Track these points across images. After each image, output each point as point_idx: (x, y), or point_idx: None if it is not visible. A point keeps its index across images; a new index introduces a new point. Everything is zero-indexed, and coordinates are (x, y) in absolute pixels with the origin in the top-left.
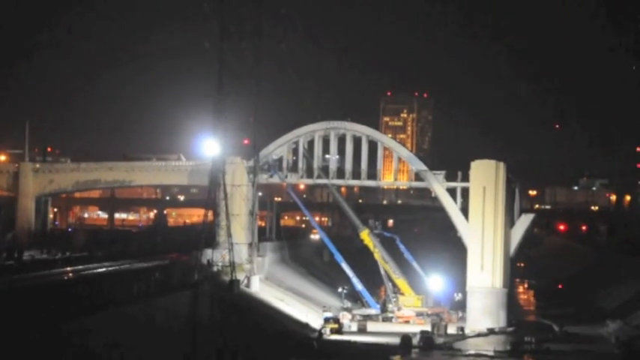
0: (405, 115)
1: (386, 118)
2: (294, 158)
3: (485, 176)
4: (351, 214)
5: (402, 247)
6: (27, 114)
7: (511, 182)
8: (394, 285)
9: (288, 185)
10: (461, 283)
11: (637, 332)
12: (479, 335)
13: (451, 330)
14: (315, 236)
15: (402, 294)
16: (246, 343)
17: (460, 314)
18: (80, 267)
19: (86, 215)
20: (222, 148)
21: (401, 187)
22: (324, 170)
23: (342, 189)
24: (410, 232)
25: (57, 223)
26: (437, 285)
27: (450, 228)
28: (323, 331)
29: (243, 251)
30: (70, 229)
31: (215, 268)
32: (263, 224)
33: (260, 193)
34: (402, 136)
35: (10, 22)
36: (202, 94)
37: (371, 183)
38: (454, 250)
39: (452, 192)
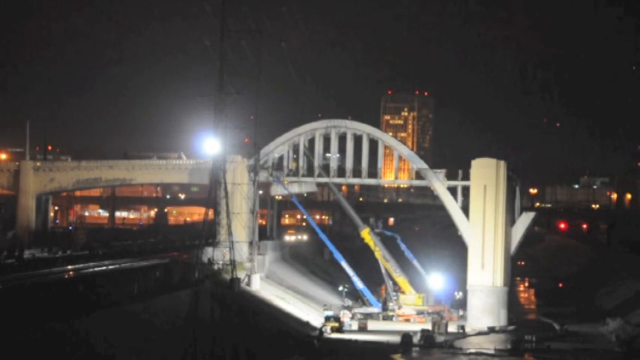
0: (406, 114)
1: (387, 117)
2: (295, 157)
3: (486, 175)
4: (351, 212)
5: (402, 246)
6: (27, 113)
7: (512, 180)
8: (395, 283)
9: (280, 182)
10: (461, 282)
11: (637, 330)
12: (479, 334)
13: (452, 328)
14: (290, 237)
15: (403, 292)
16: (247, 342)
17: (461, 312)
18: (81, 265)
19: (87, 214)
20: (222, 147)
21: (402, 186)
22: (325, 169)
23: (343, 187)
24: (410, 231)
25: (57, 221)
26: (437, 283)
27: (450, 226)
28: (324, 329)
29: (243, 249)
30: (70, 228)
31: (216, 267)
32: (264, 223)
33: (261, 192)
34: (402, 134)
35: (11, 21)
36: (203, 93)
37: (372, 181)
38: (455, 249)
39: (452, 190)
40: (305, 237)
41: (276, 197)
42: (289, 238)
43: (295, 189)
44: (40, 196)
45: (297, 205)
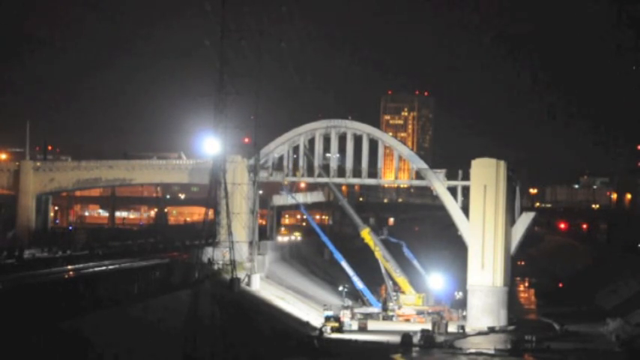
0: (406, 114)
1: (386, 117)
2: (295, 156)
3: (486, 175)
4: (351, 212)
5: (408, 253)
6: (28, 113)
7: (512, 180)
8: (395, 283)
9: (289, 192)
10: (461, 282)
11: (637, 330)
12: (479, 334)
13: (452, 328)
14: (282, 238)
15: (403, 292)
16: (247, 342)
17: (461, 312)
18: (81, 265)
19: (87, 214)
20: (222, 147)
21: (401, 186)
22: (325, 169)
23: (343, 187)
24: (410, 231)
25: (57, 221)
26: (437, 283)
27: (450, 226)
28: (324, 329)
29: (243, 249)
30: (70, 228)
31: (216, 267)
32: (264, 223)
33: (261, 192)
34: (402, 134)
35: (11, 21)
36: (203, 93)
37: (372, 181)
38: (455, 249)
39: (452, 190)
40: (299, 237)
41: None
42: (281, 238)
43: (301, 199)
44: (40, 196)
45: (305, 213)
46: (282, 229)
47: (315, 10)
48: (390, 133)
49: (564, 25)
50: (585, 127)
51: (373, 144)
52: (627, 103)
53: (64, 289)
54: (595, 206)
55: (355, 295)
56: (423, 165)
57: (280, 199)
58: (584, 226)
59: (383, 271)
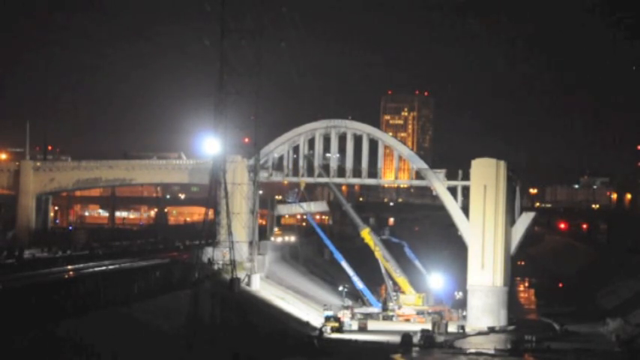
0: (406, 114)
1: (387, 117)
2: (295, 156)
3: (486, 174)
4: (351, 212)
5: (409, 254)
6: (28, 113)
7: (512, 180)
8: (395, 283)
9: (295, 199)
10: (461, 282)
11: (637, 330)
12: (479, 334)
13: (452, 328)
14: (275, 239)
15: (403, 292)
16: (247, 342)
17: (461, 312)
18: (81, 265)
19: (87, 214)
20: (222, 147)
21: (402, 186)
22: (325, 169)
23: (343, 187)
24: (410, 231)
25: (57, 221)
26: (437, 283)
27: (450, 226)
28: (324, 329)
29: (243, 249)
30: (70, 228)
31: (216, 267)
32: (264, 223)
33: (261, 192)
34: (402, 134)
35: (10, 21)
36: (203, 93)
37: (372, 181)
38: (455, 249)
39: (453, 190)
40: (293, 238)
41: (277, 197)
42: (274, 239)
43: (305, 208)
44: (40, 196)
45: (312, 222)
46: (277, 230)
47: (315, 10)
48: (390, 133)
49: (564, 24)
50: (585, 127)
51: (373, 144)
52: (628, 103)
53: (63, 290)
54: (595, 206)
55: (355, 295)
56: (423, 165)
57: (284, 209)
58: (584, 226)
59: (383, 271)
